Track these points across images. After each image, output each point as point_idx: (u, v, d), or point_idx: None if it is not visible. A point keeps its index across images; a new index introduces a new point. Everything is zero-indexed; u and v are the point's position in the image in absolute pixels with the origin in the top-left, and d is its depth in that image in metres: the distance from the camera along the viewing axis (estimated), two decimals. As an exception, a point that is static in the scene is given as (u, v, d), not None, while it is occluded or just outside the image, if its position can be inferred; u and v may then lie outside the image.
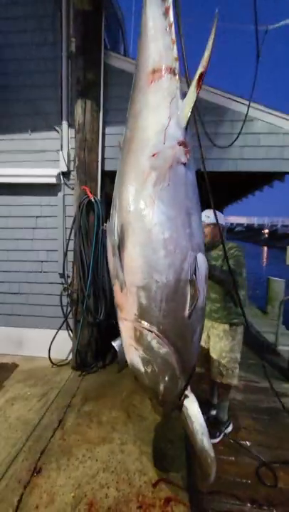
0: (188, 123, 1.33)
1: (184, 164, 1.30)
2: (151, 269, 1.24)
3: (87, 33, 2.87)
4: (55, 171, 3.25)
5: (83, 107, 2.96)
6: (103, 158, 3.18)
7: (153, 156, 1.28)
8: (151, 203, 1.25)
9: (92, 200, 3.00)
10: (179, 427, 1.91)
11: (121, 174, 1.41)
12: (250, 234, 42.77)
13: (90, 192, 3.00)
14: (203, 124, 2.86)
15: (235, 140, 2.90)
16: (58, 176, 3.26)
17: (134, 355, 1.35)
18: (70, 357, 3.34)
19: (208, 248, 2.17)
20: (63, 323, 3.29)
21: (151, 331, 1.27)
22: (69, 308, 3.29)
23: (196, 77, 1.25)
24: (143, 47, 1.42)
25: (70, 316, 3.29)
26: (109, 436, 2.17)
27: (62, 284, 3.41)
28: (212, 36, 1.19)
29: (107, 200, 3.59)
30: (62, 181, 3.31)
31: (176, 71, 1.37)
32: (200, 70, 1.23)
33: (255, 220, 47.27)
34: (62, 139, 3.25)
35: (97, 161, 3.11)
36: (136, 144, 1.36)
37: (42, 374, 3.10)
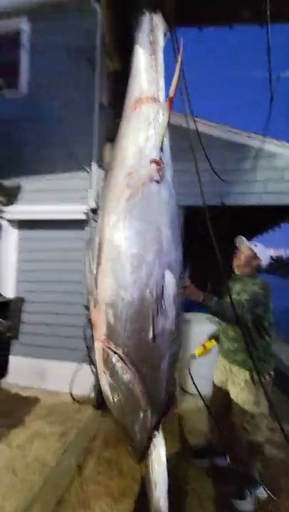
0: (162, 142, 1.42)
1: (157, 181, 1.35)
2: (118, 286, 1.20)
3: (116, 88, 3.22)
4: (84, 208, 3.47)
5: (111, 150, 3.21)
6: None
7: (129, 174, 1.37)
8: (123, 218, 1.27)
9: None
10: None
11: (103, 193, 1.50)
12: (278, 265, 40.92)
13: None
14: (225, 160, 2.96)
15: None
16: (86, 212, 3.47)
17: (103, 380, 1.25)
18: (93, 394, 3.23)
19: (235, 279, 2.08)
20: (86, 356, 3.25)
21: (116, 353, 1.18)
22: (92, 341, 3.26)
23: (167, 102, 1.43)
24: (131, 81, 1.68)
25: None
26: (130, 488, 1.99)
27: (86, 315, 3.44)
28: (178, 66, 1.40)
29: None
30: (90, 217, 3.51)
31: (156, 100, 1.55)
32: (169, 95, 1.41)
33: (283, 252, 45.45)
34: (91, 179, 3.52)
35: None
36: (117, 164, 1.46)
37: (63, 410, 3.01)
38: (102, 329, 1.23)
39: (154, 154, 1.41)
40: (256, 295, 1.80)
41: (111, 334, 1.20)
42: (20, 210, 3.71)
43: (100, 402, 3.05)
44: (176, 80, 1.40)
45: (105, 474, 2.12)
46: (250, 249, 1.99)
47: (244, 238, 2.08)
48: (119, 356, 1.18)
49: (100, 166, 3.43)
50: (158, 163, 1.38)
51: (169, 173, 1.45)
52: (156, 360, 1.19)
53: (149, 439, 1.19)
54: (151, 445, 1.19)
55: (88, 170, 3.56)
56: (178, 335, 1.28)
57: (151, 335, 1.15)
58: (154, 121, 1.48)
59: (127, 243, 1.23)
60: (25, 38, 4.01)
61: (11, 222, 3.75)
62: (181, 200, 3.24)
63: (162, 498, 1.11)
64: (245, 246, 2.04)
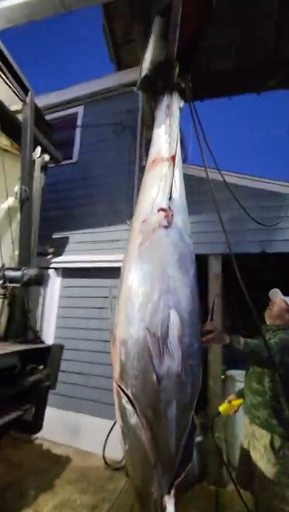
0: (170, 193, 1.58)
1: (166, 227, 1.46)
2: (128, 323, 1.23)
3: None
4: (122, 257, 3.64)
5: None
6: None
7: (143, 222, 1.52)
8: (135, 262, 1.39)
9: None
10: None
11: (127, 242, 1.64)
12: None
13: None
14: (262, 209, 2.98)
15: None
16: (125, 261, 3.63)
17: (118, 425, 1.17)
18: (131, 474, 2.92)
19: (265, 329, 1.92)
20: (121, 413, 3.04)
21: (126, 394, 1.15)
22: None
23: (170, 159, 1.73)
24: (151, 146, 1.93)
25: (129, 405, 3.04)
26: None
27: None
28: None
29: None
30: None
31: (168, 160, 1.77)
32: (172, 154, 1.74)
33: None
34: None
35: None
36: (136, 216, 1.64)
37: (94, 476, 2.73)
38: (117, 368, 1.22)
39: (163, 203, 1.58)
40: (285, 341, 1.68)
41: (122, 373, 1.19)
42: (65, 259, 4.03)
43: (134, 470, 2.73)
44: (176, 142, 1.79)
45: None
46: (285, 302, 1.95)
47: (279, 291, 2.05)
48: (128, 397, 1.14)
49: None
50: (165, 210, 1.52)
51: (180, 219, 1.57)
52: (162, 405, 1.11)
53: (160, 501, 1.04)
54: (165, 504, 1.03)
55: (128, 222, 3.84)
56: (190, 382, 1.16)
57: (154, 376, 1.11)
58: (165, 176, 1.69)
59: (136, 283, 1.33)
60: (79, 120, 4.88)
61: (56, 270, 4.05)
62: (218, 248, 3.27)
63: None
64: (279, 298, 2.01)
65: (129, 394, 1.14)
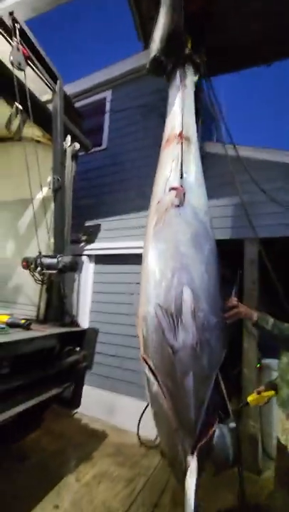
0: (181, 172, 1.57)
1: (178, 206, 1.47)
2: (146, 301, 1.33)
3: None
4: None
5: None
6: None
7: (158, 203, 1.56)
8: (151, 241, 1.46)
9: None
10: None
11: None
12: None
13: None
14: None
15: None
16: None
17: (146, 393, 1.30)
18: (159, 439, 3.02)
19: None
20: (154, 395, 3.12)
21: (148, 364, 1.26)
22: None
23: (178, 136, 1.73)
24: (165, 125, 1.93)
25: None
26: None
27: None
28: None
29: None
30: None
31: (181, 137, 1.73)
32: (179, 130, 1.77)
33: None
34: (161, 216, 3.69)
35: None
36: (152, 195, 1.66)
37: (130, 453, 2.88)
38: (140, 342, 1.34)
39: (175, 182, 1.58)
40: None
41: (145, 347, 1.30)
42: (97, 246, 4.12)
43: (168, 450, 2.82)
44: (187, 117, 1.78)
45: None
46: None
47: None
48: (150, 368, 1.25)
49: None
50: (177, 189, 1.51)
51: (193, 196, 1.53)
52: (179, 376, 1.18)
53: (184, 461, 1.16)
54: (187, 469, 1.15)
55: (158, 208, 3.77)
56: (207, 354, 1.20)
57: (169, 349, 1.18)
58: (178, 158, 1.67)
59: (152, 262, 1.41)
60: (107, 105, 4.81)
61: (89, 257, 4.17)
62: (254, 232, 3.08)
63: None
64: None
65: (151, 365, 1.25)
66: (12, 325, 2.27)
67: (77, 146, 3.38)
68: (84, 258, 4.17)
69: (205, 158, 3.50)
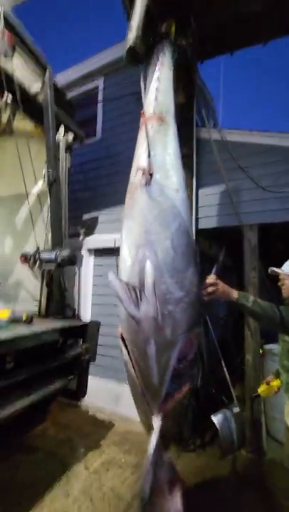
0: (149, 151, 1.59)
1: (145, 185, 1.50)
2: (120, 275, 1.45)
3: (181, 119, 3.36)
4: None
5: (178, 177, 3.30)
6: (197, 218, 3.32)
7: (130, 184, 1.63)
8: (124, 222, 1.54)
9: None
10: None
11: None
12: None
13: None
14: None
15: None
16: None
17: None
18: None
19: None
20: (158, 384, 3.16)
21: (122, 336, 1.39)
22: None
23: (141, 113, 1.75)
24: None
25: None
26: None
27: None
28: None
29: (202, 255, 3.60)
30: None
31: (155, 117, 1.75)
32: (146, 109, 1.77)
33: None
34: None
35: (191, 222, 3.26)
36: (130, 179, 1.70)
37: (136, 440, 2.93)
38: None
39: (142, 162, 1.60)
40: None
41: (120, 321, 1.41)
42: (96, 239, 4.10)
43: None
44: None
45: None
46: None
47: (274, 268, 1.87)
48: (122, 337, 1.39)
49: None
50: (142, 168, 1.55)
51: (162, 175, 1.56)
52: (142, 344, 1.28)
53: (150, 422, 1.27)
54: (152, 423, 1.26)
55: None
56: (169, 325, 1.28)
57: (132, 319, 1.26)
58: (148, 139, 1.67)
59: (122, 241, 1.50)
60: (100, 94, 4.69)
61: (89, 250, 4.16)
62: (254, 218, 3.04)
63: (145, 480, 1.13)
64: (283, 274, 1.82)
65: (122, 334, 1.39)
66: (14, 320, 2.29)
67: (70, 137, 3.32)
68: (83, 251, 4.15)
69: (199, 144, 3.45)
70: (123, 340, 1.38)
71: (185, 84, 3.14)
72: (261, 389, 2.00)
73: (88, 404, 3.58)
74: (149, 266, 1.32)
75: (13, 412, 1.84)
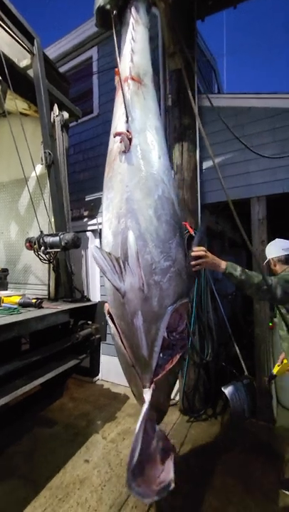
0: (127, 115, 1.48)
1: (124, 152, 1.43)
2: (102, 245, 1.43)
3: (180, 86, 3.15)
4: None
5: (180, 150, 3.15)
6: (202, 193, 3.20)
7: (109, 153, 1.56)
8: (104, 193, 1.50)
9: (193, 234, 3.00)
10: None
11: None
12: None
13: (191, 227, 3.03)
14: None
15: None
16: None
17: None
18: (178, 398, 3.20)
19: None
20: (169, 359, 3.24)
21: (108, 311, 1.40)
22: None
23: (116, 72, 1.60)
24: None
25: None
26: (223, 508, 1.83)
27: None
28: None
29: (208, 231, 3.52)
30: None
31: (129, 82, 1.61)
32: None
33: None
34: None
35: (196, 197, 3.15)
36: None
37: (150, 411, 3.07)
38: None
39: (121, 127, 1.50)
40: (285, 276, 1.58)
41: (107, 294, 1.40)
42: (100, 221, 4.05)
43: (186, 407, 2.99)
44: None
45: (195, 486, 2.02)
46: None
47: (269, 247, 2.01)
48: (109, 312, 1.40)
49: (171, 167, 3.41)
50: (121, 134, 1.44)
51: (142, 140, 1.47)
52: (128, 316, 1.26)
53: (142, 393, 1.26)
54: (143, 395, 1.25)
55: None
56: (156, 296, 1.25)
57: (117, 291, 1.25)
58: (124, 103, 1.55)
59: (104, 212, 1.46)
60: (95, 65, 4.42)
61: (94, 232, 4.14)
62: (261, 190, 2.91)
63: (134, 449, 1.10)
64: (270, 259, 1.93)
65: (109, 309, 1.38)
66: (24, 305, 2.34)
67: (66, 115, 3.17)
68: (88, 234, 4.14)
69: (202, 112, 3.24)
70: (110, 315, 1.39)
71: (183, 46, 2.89)
72: (276, 369, 2.05)
73: (103, 381, 3.75)
74: (131, 235, 1.28)
75: (31, 388, 1.94)
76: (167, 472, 1.16)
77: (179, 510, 1.83)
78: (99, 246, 1.46)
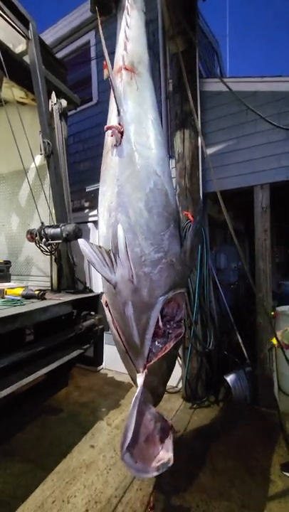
0: (118, 108, 1.49)
1: (116, 145, 1.44)
2: (99, 241, 1.48)
3: (182, 71, 3.04)
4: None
5: (182, 137, 3.07)
6: (204, 181, 3.15)
7: (104, 148, 1.57)
8: (100, 187, 1.52)
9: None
10: None
11: None
12: None
13: (192, 216, 2.99)
14: None
15: None
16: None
17: None
18: (180, 385, 3.25)
19: None
20: (172, 348, 3.27)
21: (105, 300, 1.48)
22: (177, 334, 3.26)
23: (104, 65, 1.63)
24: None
25: (178, 342, 3.25)
26: (226, 491, 1.89)
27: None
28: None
29: (210, 221, 3.49)
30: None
31: (122, 73, 1.60)
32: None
33: None
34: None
35: (198, 185, 3.10)
36: None
37: (153, 399, 3.13)
38: None
39: (112, 121, 1.50)
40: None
41: (103, 286, 1.46)
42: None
43: (189, 394, 3.04)
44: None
45: (197, 469, 2.08)
46: None
47: None
48: (105, 301, 1.46)
49: (172, 156, 3.35)
50: (112, 127, 1.45)
51: (133, 132, 1.46)
52: (120, 306, 1.32)
53: (135, 377, 1.34)
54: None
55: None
56: (146, 287, 1.28)
57: (109, 282, 1.30)
58: (118, 90, 1.57)
59: (98, 204, 1.51)
60: (93, 50, 4.28)
61: (95, 223, 4.11)
62: (264, 177, 2.85)
63: (128, 427, 1.15)
64: None
65: (105, 299, 1.46)
66: (27, 296, 2.36)
67: (64, 103, 3.10)
68: (89, 225, 4.12)
69: (204, 97, 3.14)
70: (106, 304, 1.45)
71: (184, 28, 2.77)
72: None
73: (107, 370, 3.81)
74: (120, 229, 1.31)
75: (36, 378, 1.98)
76: (166, 450, 1.21)
77: (182, 491, 1.89)
78: (99, 237, 1.49)
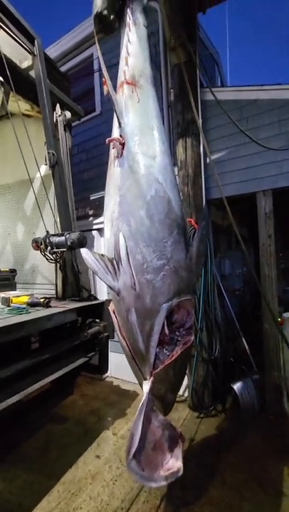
0: (118, 121, 1.56)
1: (118, 157, 1.50)
2: (104, 250, 1.54)
3: (183, 81, 3.11)
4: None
5: (184, 146, 3.12)
6: (207, 188, 3.17)
7: (109, 160, 1.65)
8: (105, 199, 1.61)
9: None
10: None
11: None
12: None
13: (196, 223, 3.01)
14: None
15: None
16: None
17: None
18: (186, 394, 3.21)
19: None
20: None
21: (112, 307, 1.51)
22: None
23: (103, 79, 1.65)
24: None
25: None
26: (237, 504, 1.84)
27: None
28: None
29: (214, 227, 3.49)
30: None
31: (123, 87, 1.67)
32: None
33: None
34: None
35: (201, 192, 3.13)
36: None
37: (160, 407, 3.09)
38: None
39: (115, 134, 1.57)
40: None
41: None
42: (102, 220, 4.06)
43: (195, 403, 2.99)
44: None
45: (206, 481, 2.03)
46: None
47: None
48: (112, 308, 1.49)
49: (174, 164, 3.39)
50: (113, 140, 1.50)
51: (133, 143, 1.50)
52: (124, 313, 1.34)
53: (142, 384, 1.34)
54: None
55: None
56: (148, 294, 1.28)
57: (112, 290, 1.33)
58: (120, 103, 1.64)
59: (103, 215, 1.58)
60: (95, 64, 4.40)
61: (99, 231, 4.15)
62: (267, 183, 2.86)
63: (133, 435, 1.14)
64: None
65: (111, 305, 1.51)
66: (32, 304, 2.37)
67: (68, 114, 3.18)
68: (94, 233, 4.15)
69: (205, 106, 3.20)
70: (113, 311, 1.48)
71: (185, 40, 2.85)
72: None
73: (113, 378, 3.78)
74: (121, 237, 1.33)
75: (41, 386, 1.97)
76: (176, 458, 1.18)
77: (191, 504, 1.84)
78: (104, 246, 1.57)
